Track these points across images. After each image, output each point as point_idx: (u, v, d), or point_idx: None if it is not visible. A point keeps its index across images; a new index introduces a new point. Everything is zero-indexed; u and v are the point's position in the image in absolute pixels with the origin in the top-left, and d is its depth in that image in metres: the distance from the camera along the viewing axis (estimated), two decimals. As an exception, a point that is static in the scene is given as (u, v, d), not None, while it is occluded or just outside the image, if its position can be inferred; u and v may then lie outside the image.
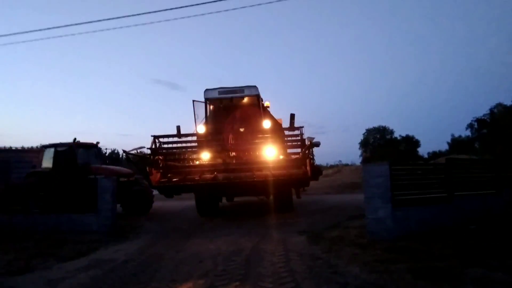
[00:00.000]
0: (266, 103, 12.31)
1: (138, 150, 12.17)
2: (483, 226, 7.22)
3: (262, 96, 11.63)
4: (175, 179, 9.72)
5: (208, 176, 9.49)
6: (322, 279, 4.65)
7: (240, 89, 10.91)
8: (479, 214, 7.97)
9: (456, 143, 59.87)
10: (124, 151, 14.14)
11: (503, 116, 49.00)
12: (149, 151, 9.93)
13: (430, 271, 4.52)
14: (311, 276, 4.77)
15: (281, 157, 10.09)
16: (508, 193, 8.72)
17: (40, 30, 19.97)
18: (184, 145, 10.46)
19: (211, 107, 11.83)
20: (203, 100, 11.27)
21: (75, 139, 12.68)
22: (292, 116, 10.76)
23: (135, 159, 11.72)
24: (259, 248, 6.64)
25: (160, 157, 9.96)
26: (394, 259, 5.20)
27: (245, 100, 11.40)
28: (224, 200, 13.75)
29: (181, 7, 12.07)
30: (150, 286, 4.74)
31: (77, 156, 12.42)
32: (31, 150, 18.59)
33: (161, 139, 10.07)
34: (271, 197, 11.58)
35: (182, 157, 10.57)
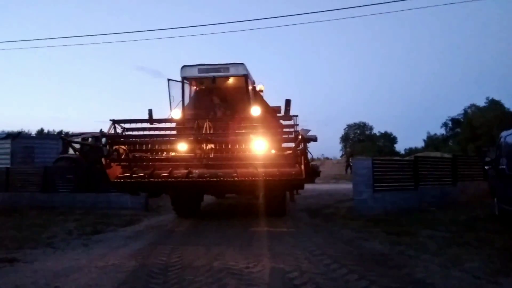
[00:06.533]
0: (259, 87, 10.64)
1: (87, 138, 11.84)
2: (440, 208, 9.54)
3: (254, 78, 10.06)
4: (138, 175, 7.91)
5: (179, 172, 7.81)
6: (325, 236, 6.87)
7: (225, 67, 9.25)
8: (438, 200, 10.28)
9: (431, 141, 63.26)
10: (62, 138, 13.86)
11: (475, 117, 52.20)
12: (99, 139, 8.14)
13: (397, 231, 6.78)
14: (317, 235, 6.97)
15: (273, 151, 8.09)
16: (460, 185, 11.14)
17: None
18: (153, 132, 8.38)
19: (190, 87, 10.03)
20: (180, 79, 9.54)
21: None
22: (288, 103, 9.26)
23: (84, 149, 11.56)
24: (274, 217, 8.80)
25: (123, 147, 8.03)
26: (373, 226, 7.49)
27: (230, 80, 9.67)
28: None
29: None
30: (206, 236, 6.82)
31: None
32: (51, 137, 20.16)
33: (124, 125, 7.96)
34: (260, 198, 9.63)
35: (150, 148, 8.28)
